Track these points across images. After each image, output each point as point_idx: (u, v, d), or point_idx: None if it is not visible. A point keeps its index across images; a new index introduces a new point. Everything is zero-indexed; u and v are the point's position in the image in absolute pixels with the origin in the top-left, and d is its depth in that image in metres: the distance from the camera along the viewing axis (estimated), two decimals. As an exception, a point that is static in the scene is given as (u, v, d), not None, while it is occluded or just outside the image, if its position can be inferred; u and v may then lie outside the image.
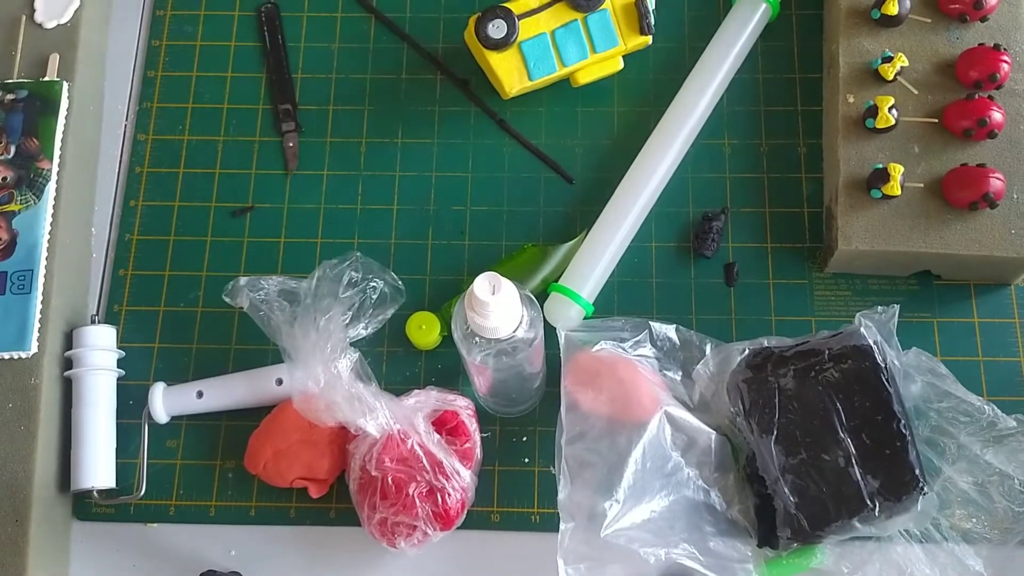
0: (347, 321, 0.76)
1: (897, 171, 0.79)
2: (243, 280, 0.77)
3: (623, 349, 0.78)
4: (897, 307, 0.76)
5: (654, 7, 0.88)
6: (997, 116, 0.80)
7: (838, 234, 0.81)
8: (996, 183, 0.78)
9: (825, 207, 0.86)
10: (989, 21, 0.85)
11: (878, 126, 0.81)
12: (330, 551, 0.79)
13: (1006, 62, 0.82)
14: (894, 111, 0.81)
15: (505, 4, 0.85)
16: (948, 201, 0.80)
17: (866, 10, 0.86)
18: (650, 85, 0.92)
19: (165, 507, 0.81)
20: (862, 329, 0.75)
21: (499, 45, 0.83)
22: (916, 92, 0.83)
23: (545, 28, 0.85)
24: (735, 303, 0.85)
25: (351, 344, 0.76)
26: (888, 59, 0.83)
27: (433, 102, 0.92)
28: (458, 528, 0.76)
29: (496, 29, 0.83)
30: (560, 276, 0.83)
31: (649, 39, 0.87)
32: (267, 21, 0.94)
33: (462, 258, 0.87)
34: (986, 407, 0.74)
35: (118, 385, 0.83)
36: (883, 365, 0.74)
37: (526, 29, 0.83)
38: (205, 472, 0.82)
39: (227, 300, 0.77)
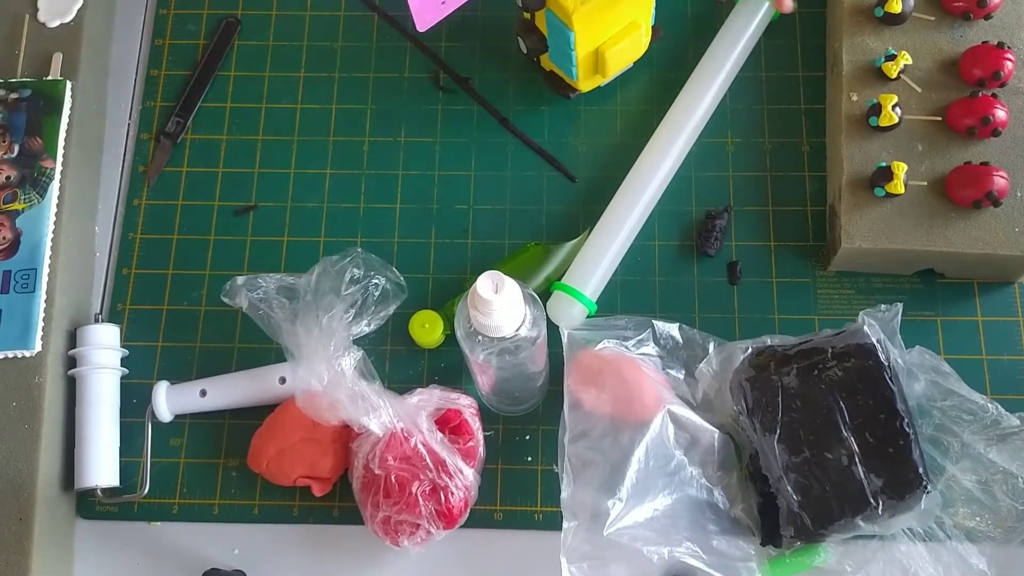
0: (350, 319, 0.76)
1: (901, 169, 0.79)
2: (240, 280, 0.77)
3: (626, 347, 0.78)
4: (900, 305, 0.76)
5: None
6: (1001, 114, 0.80)
7: (841, 232, 0.80)
8: (1000, 181, 0.78)
9: (828, 205, 0.86)
10: (993, 19, 0.85)
11: (881, 124, 0.81)
12: (333, 549, 0.79)
13: (1010, 60, 0.81)
14: (897, 109, 0.81)
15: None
16: (952, 199, 0.80)
17: (869, 8, 0.85)
18: (653, 83, 0.92)
19: (169, 505, 0.81)
20: (865, 328, 0.75)
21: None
22: (920, 90, 0.83)
23: None
24: (738, 302, 0.85)
25: (354, 342, 0.76)
26: (891, 57, 0.83)
27: (435, 101, 0.92)
28: (461, 527, 0.76)
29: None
30: (563, 275, 0.83)
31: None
32: (223, 31, 0.94)
33: (465, 257, 0.87)
34: (990, 405, 0.74)
35: (122, 384, 0.83)
36: (886, 363, 0.74)
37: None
38: (208, 471, 0.82)
39: (226, 300, 0.77)
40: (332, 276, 0.77)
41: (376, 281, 0.78)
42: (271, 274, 0.77)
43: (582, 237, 0.85)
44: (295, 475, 0.78)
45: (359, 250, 0.78)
